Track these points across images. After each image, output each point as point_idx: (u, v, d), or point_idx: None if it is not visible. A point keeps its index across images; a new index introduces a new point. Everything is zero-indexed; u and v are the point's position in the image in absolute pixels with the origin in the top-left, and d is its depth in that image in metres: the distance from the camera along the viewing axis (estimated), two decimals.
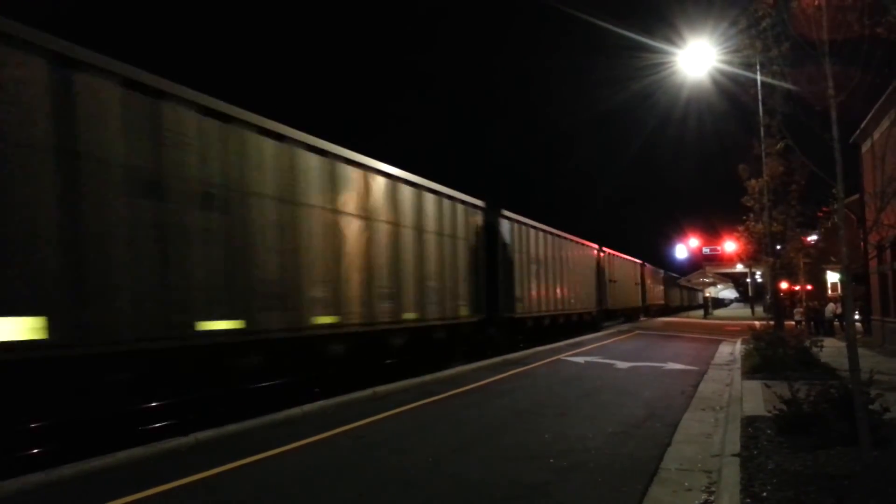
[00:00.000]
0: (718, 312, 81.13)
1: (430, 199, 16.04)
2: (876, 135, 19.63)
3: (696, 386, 13.50)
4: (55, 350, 7.24)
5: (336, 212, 12.33)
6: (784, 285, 38.79)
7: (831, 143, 6.48)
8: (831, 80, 6.29)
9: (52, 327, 7.19)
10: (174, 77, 8.98)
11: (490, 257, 19.83)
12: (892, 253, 20.07)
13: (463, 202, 17.99)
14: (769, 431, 8.20)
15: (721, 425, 9.17)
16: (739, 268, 72.07)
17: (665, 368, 16.93)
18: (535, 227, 23.86)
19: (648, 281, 54.26)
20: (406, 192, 14.90)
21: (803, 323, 30.96)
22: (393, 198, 14.33)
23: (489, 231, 19.91)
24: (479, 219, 19.23)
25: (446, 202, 16.95)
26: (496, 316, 19.95)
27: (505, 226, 20.92)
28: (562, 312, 27.09)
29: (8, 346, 6.84)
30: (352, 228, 12.76)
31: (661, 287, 65.53)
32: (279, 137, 10.93)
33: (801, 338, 17.23)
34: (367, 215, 13.26)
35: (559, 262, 26.86)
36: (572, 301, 28.72)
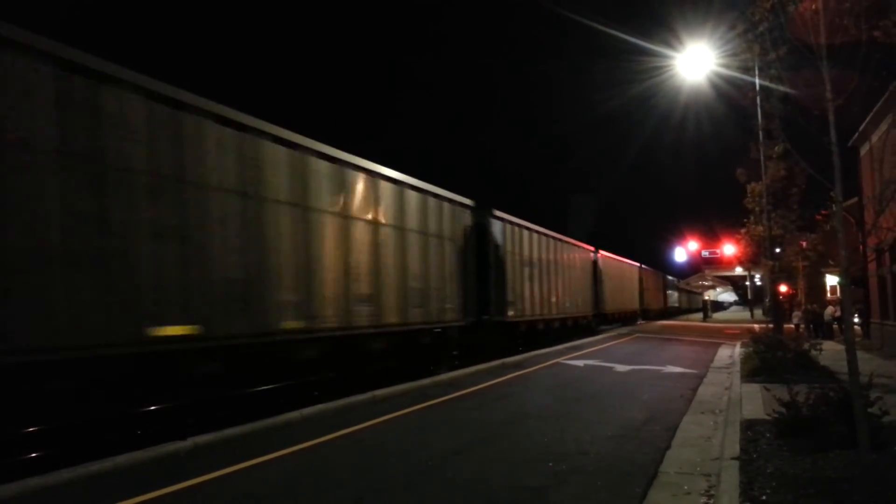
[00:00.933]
0: (717, 316, 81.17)
1: (412, 196, 15.22)
2: (874, 138, 19.67)
3: (696, 389, 13.50)
4: None
5: (308, 209, 11.53)
6: (783, 288, 38.84)
7: (829, 146, 6.49)
8: (829, 84, 6.31)
9: None
10: (176, 79, 8.99)
11: (480, 259, 19.12)
12: (891, 256, 20.10)
13: (450, 201, 17.23)
14: (768, 435, 8.19)
15: (720, 429, 9.17)
16: (739, 271, 72.17)
17: (664, 372, 16.93)
18: (528, 228, 23.24)
19: (646, 284, 53.83)
20: (387, 189, 14.11)
21: (802, 326, 30.98)
22: (373, 195, 13.59)
23: (479, 232, 19.20)
24: (468, 219, 18.48)
25: (432, 200, 16.16)
26: (487, 320, 19.30)
27: (496, 226, 20.24)
28: (556, 316, 26.53)
29: None
30: (326, 226, 12.09)
31: (660, 290, 65.36)
32: (241, 127, 10.24)
33: (801, 341, 17.22)
34: (343, 213, 12.59)
35: (554, 264, 26.27)
36: (567, 305, 28.19)
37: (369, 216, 13.45)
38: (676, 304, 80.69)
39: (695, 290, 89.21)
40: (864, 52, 6.26)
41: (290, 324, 10.98)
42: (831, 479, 6.02)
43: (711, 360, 19.98)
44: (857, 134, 21.35)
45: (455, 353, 17.54)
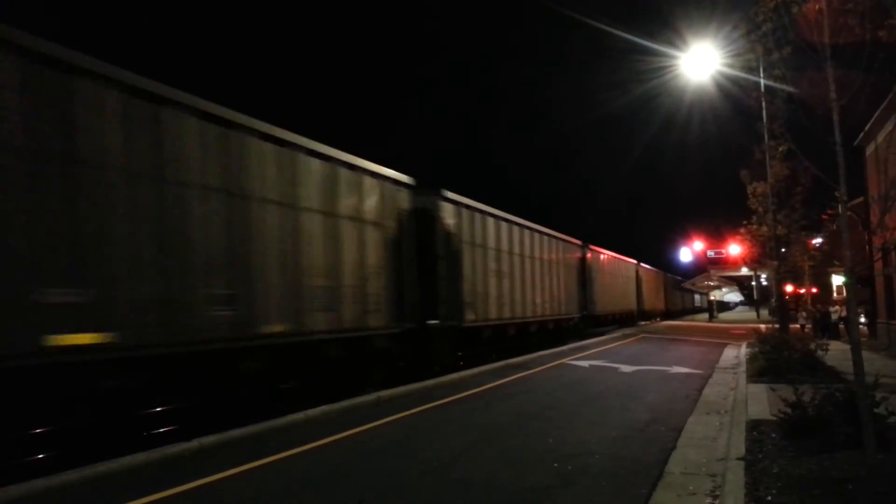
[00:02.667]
0: (723, 316, 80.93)
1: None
2: (880, 138, 19.61)
3: (701, 390, 13.48)
4: None
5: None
6: (789, 288, 38.73)
7: (834, 146, 6.48)
8: (833, 84, 6.30)
9: None
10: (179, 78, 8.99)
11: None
12: None
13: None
14: (774, 435, 8.18)
15: (726, 429, 9.15)
16: (744, 271, 71.90)
17: (670, 372, 16.90)
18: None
19: (645, 283, 51.40)
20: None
21: (808, 326, 30.87)
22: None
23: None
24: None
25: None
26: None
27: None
28: (533, 319, 23.84)
29: None
30: (529, 266, 12.15)
31: (662, 290, 64.30)
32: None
33: (807, 341, 17.16)
34: (530, 255, 13.24)
35: (531, 259, 23.51)
36: (547, 305, 25.43)
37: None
38: (681, 305, 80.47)
39: (700, 290, 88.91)
40: (869, 51, 6.25)
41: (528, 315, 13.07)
42: (837, 479, 6.00)
43: (717, 361, 19.93)
44: (862, 134, 21.29)
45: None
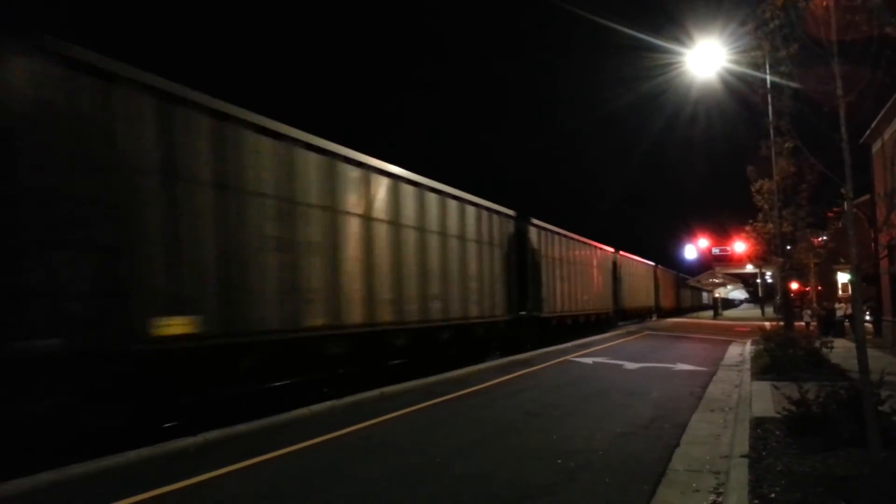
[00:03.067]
0: (728, 313, 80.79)
1: (470, 210, 18.05)
2: (886, 135, 19.52)
3: (705, 387, 13.46)
4: None
5: (399, 225, 14.24)
6: (794, 286, 38.62)
7: (840, 143, 6.45)
8: (840, 81, 6.27)
9: None
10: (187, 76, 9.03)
11: (520, 262, 21.59)
12: None
13: (498, 212, 19.93)
14: (778, 433, 8.17)
15: (730, 426, 9.14)
16: (749, 268, 71.75)
17: (674, 369, 16.88)
18: (558, 233, 25.83)
19: (661, 282, 55.88)
20: (452, 205, 16.87)
21: (813, 324, 30.79)
22: (442, 210, 16.27)
23: (519, 238, 21.76)
24: (511, 227, 21.11)
25: (485, 213, 18.95)
26: (525, 316, 21.73)
27: (533, 232, 22.90)
28: (581, 312, 29.09)
29: None
30: (409, 237, 14.71)
31: (673, 288, 66.80)
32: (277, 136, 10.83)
33: (811, 338, 17.13)
34: (418, 226, 15.07)
35: (579, 265, 29.01)
36: (591, 302, 30.77)
37: (440, 228, 16.05)
38: (687, 302, 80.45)
39: (705, 287, 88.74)
40: (876, 48, 6.22)
41: (386, 318, 13.64)
42: (841, 477, 6.00)
43: (721, 358, 19.91)
44: (868, 131, 21.18)
45: (500, 343, 20.18)
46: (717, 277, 75.40)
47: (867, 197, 21.67)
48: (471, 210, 17.87)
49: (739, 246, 66.66)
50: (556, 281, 25.13)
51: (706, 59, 18.92)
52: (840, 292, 39.43)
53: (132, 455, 7.43)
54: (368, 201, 13.15)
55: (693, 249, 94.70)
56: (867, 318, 24.77)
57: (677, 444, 8.25)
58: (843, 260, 31.12)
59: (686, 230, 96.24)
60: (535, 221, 23.17)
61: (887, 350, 20.23)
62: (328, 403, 10.75)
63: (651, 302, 51.17)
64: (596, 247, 32.74)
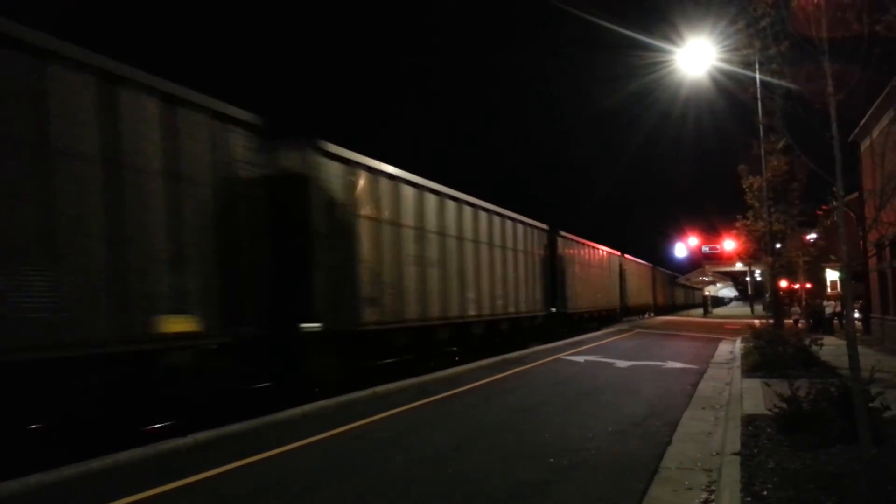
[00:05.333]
0: (718, 311, 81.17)
1: (520, 227, 22.85)
2: (875, 133, 19.64)
3: (696, 384, 13.50)
4: None
5: (473, 241, 18.63)
6: (784, 284, 38.83)
7: (831, 141, 6.45)
8: (830, 79, 6.28)
9: None
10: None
11: (551, 266, 26.41)
12: (892, 251, 20.09)
13: (536, 227, 24.93)
14: (769, 430, 8.20)
15: (721, 424, 9.16)
16: (739, 266, 72.09)
17: (665, 367, 16.93)
18: (577, 242, 30.33)
19: (630, 277, 53.26)
20: (497, 221, 20.61)
21: (802, 322, 30.97)
22: (490, 226, 20.03)
23: (550, 246, 26.71)
24: (544, 238, 26.11)
25: (528, 229, 23.98)
26: (555, 312, 26.43)
27: (560, 242, 27.59)
28: (596, 309, 33.91)
29: None
30: (473, 251, 18.47)
31: (667, 287, 70.61)
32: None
33: (801, 336, 17.21)
34: (475, 239, 18.70)
35: (594, 267, 33.55)
36: (602, 300, 35.30)
37: (493, 242, 20.18)
38: (677, 300, 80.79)
39: (695, 285, 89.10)
40: (866, 46, 6.23)
41: (470, 313, 18.10)
42: (832, 473, 6.02)
43: (712, 356, 19.98)
44: (857, 129, 21.30)
45: (538, 334, 24.72)
46: (706, 275, 75.76)
47: (856, 195, 21.80)
48: (519, 227, 22.86)
49: (729, 244, 66.93)
50: (577, 282, 29.76)
51: (696, 57, 18.98)
52: (829, 290, 39.70)
53: (122, 457, 7.38)
54: (460, 225, 17.78)
55: (683, 248, 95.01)
56: (856, 315, 24.92)
57: (669, 442, 8.26)
58: (832, 258, 31.30)
59: (676, 228, 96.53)
60: (563, 233, 28.03)
61: (876, 347, 20.36)
62: (320, 403, 10.70)
63: (650, 299, 55.47)
64: (608, 251, 37.36)
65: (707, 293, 79.16)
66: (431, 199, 16.28)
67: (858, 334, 21.42)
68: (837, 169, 6.44)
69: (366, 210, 13.42)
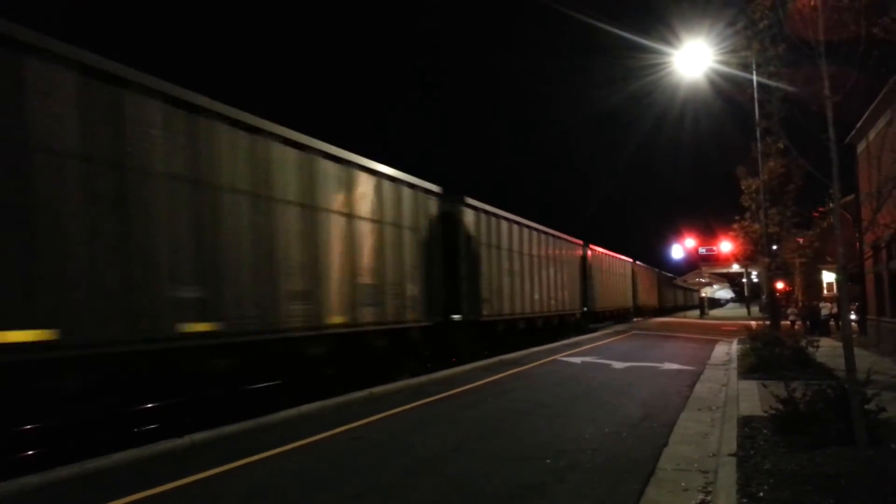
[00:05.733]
0: (714, 312, 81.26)
1: (563, 244, 24.66)
2: (871, 135, 19.68)
3: (693, 386, 13.52)
4: None
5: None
6: (780, 285, 38.90)
7: (828, 143, 6.48)
8: (827, 81, 6.30)
9: None
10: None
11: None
12: (888, 253, 20.13)
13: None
14: (766, 431, 8.21)
15: (717, 425, 9.18)
16: (736, 268, 72.16)
17: (661, 368, 16.95)
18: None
19: (640, 280, 53.33)
20: (550, 241, 22.73)
21: (798, 323, 31.01)
22: (545, 244, 22.78)
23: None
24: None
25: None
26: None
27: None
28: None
29: None
30: (536, 264, 19.00)
31: (655, 287, 65.35)
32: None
33: (798, 337, 17.24)
34: (539, 254, 18.95)
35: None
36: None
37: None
38: (673, 302, 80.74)
39: (692, 286, 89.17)
40: (863, 48, 6.25)
41: (536, 310, 22.62)
42: (829, 475, 6.02)
43: (708, 357, 20.01)
44: (854, 131, 21.34)
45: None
46: (703, 277, 75.80)
47: (852, 197, 21.85)
48: (563, 244, 26.31)
49: (726, 246, 66.94)
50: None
51: (694, 59, 19.03)
52: (825, 291, 39.76)
53: (118, 457, 7.35)
54: (530, 245, 22.98)
55: (680, 249, 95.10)
56: (853, 317, 24.96)
57: (666, 443, 8.27)
58: (829, 259, 31.35)
59: (673, 230, 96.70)
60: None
61: (872, 349, 20.42)
62: (317, 403, 10.68)
63: (628, 302, 47.28)
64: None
65: (704, 295, 79.19)
66: (514, 228, 22.49)
67: (855, 336, 21.50)
68: (834, 171, 6.47)
69: (483, 239, 19.56)
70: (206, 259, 9.40)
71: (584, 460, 7.45)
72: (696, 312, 73.29)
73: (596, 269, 35.67)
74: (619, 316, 43.62)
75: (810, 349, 15.17)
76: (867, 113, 18.74)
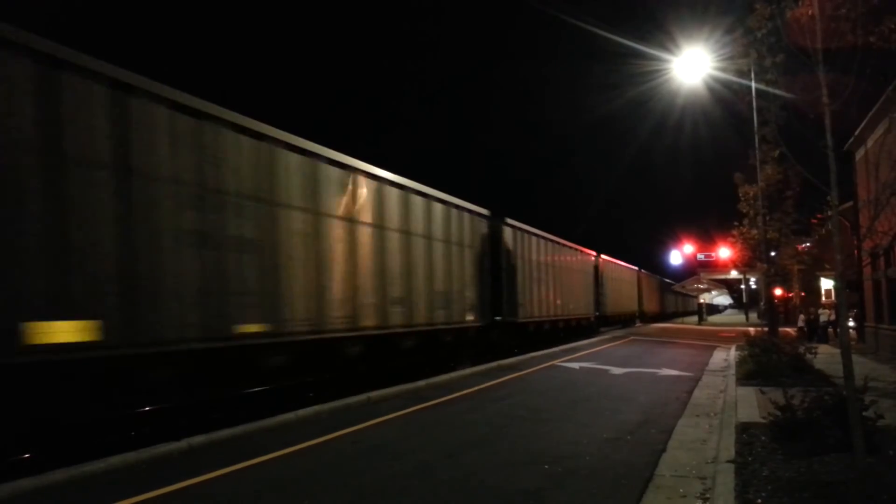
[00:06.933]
0: (713, 318, 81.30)
1: (577, 254, 25.82)
2: (870, 142, 19.73)
3: (691, 392, 13.51)
4: None
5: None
6: (778, 292, 38.92)
7: (826, 150, 6.50)
8: (825, 89, 6.33)
9: None
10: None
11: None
12: (886, 260, 20.17)
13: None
14: (764, 438, 8.21)
15: (715, 431, 9.17)
16: (734, 274, 72.26)
17: (660, 374, 16.94)
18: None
19: (644, 287, 55.68)
20: (570, 252, 24.11)
21: (806, 329, 30.90)
22: (565, 255, 24.25)
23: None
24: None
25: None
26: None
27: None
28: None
29: None
30: (557, 272, 20.85)
31: (657, 293, 66.62)
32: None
33: (796, 344, 17.25)
34: (560, 265, 20.63)
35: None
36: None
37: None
38: (672, 308, 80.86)
39: (690, 293, 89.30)
40: (861, 57, 6.28)
41: (559, 314, 25.49)
42: (827, 482, 6.03)
43: (707, 364, 19.99)
44: (852, 138, 21.41)
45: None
46: (701, 283, 75.92)
47: (850, 204, 21.90)
48: (578, 254, 27.78)
49: (724, 252, 67.04)
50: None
51: (692, 66, 19.10)
52: (823, 298, 39.79)
53: (114, 460, 7.33)
54: (552, 256, 25.55)
55: (678, 255, 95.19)
56: (851, 324, 24.98)
57: (664, 450, 8.26)
58: (827, 266, 31.40)
59: (672, 236, 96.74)
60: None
61: (870, 356, 20.43)
62: (314, 408, 10.69)
63: (634, 307, 51.29)
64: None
65: (702, 301, 79.25)
66: (541, 241, 25.75)
67: (853, 343, 21.51)
68: (832, 178, 6.49)
69: (517, 252, 22.63)
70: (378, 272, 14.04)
71: (582, 466, 7.45)
72: (695, 318, 73.32)
73: (606, 277, 39.39)
74: (627, 320, 46.97)
75: (808, 356, 15.18)
76: (865, 121, 18.79)
